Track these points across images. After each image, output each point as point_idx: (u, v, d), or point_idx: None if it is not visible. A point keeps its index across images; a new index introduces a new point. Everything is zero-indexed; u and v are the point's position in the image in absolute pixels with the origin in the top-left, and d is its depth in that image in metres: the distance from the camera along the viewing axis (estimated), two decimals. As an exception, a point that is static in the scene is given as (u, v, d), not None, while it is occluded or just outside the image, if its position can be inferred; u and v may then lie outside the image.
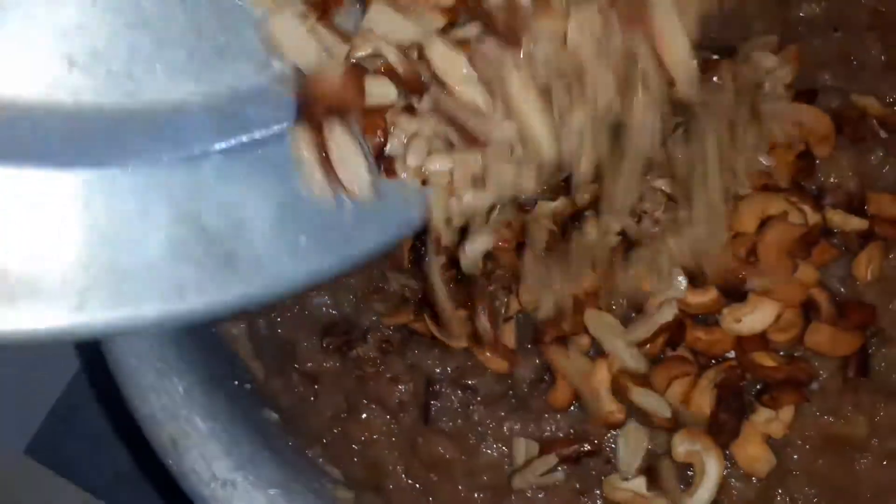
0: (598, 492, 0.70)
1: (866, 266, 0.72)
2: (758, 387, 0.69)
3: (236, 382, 0.62)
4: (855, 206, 0.74)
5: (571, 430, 0.71)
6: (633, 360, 0.68)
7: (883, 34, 0.85)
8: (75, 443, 0.95)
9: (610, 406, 0.68)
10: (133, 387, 0.57)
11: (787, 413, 0.67)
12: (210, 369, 0.61)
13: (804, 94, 0.78)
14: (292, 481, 0.58)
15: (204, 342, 0.62)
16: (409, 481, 0.74)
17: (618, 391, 0.69)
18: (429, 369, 0.74)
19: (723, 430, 0.66)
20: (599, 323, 0.69)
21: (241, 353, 0.67)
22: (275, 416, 0.63)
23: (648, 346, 0.69)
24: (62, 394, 0.96)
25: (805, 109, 0.75)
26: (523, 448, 0.70)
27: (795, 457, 0.68)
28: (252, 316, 0.75)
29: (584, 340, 0.70)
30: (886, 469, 0.68)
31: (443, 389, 0.73)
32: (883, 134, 0.78)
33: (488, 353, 0.71)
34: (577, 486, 0.69)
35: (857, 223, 0.73)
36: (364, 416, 0.74)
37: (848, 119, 0.78)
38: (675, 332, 0.68)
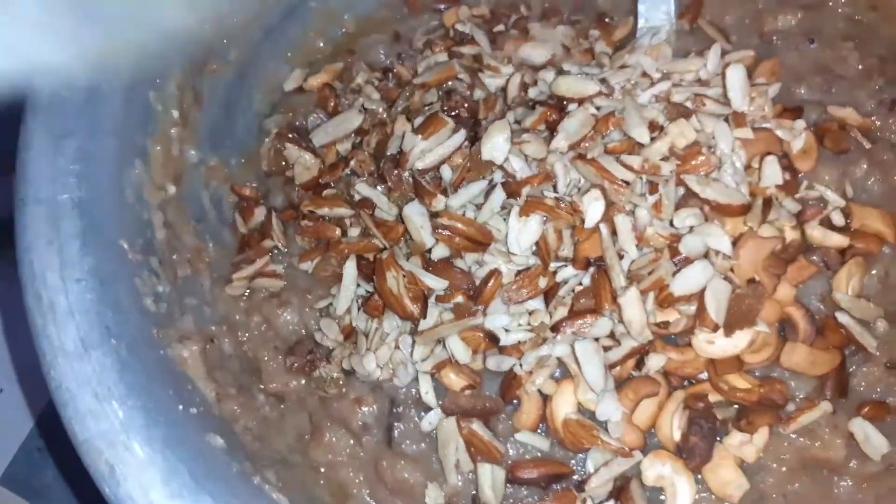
0: None
1: (847, 282, 0.70)
2: (732, 407, 0.67)
3: (181, 407, 0.61)
4: (837, 220, 0.72)
5: (539, 454, 0.68)
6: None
7: (859, 43, 0.84)
8: (48, 473, 0.96)
9: (577, 429, 0.66)
10: (72, 411, 0.56)
11: (761, 436, 0.65)
12: (154, 394, 0.59)
13: (790, 111, 0.76)
14: (233, 509, 0.56)
15: (150, 366, 0.60)
16: None
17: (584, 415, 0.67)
18: (393, 390, 0.72)
19: (694, 454, 0.65)
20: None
21: (191, 374, 0.65)
22: (220, 441, 0.62)
23: (619, 367, 0.67)
24: (34, 425, 0.98)
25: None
26: (489, 474, 0.68)
27: (771, 480, 0.66)
28: (213, 336, 0.73)
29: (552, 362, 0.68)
30: (866, 491, 0.66)
31: (407, 411, 0.71)
32: (867, 144, 0.76)
33: (452, 375, 0.68)
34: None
35: (837, 240, 0.71)
36: (328, 437, 0.73)
37: (828, 131, 0.76)
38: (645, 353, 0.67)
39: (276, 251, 0.81)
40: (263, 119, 0.88)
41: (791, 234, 0.70)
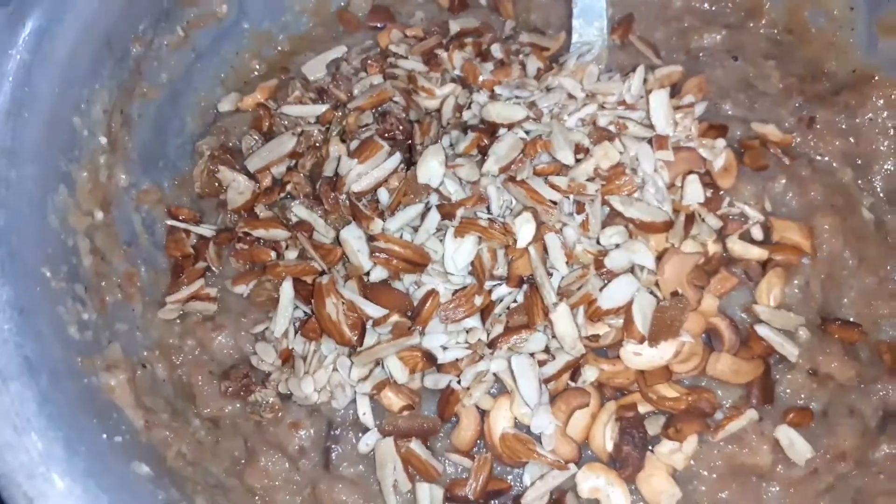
0: None
1: (767, 293, 0.73)
2: (662, 418, 0.70)
3: (105, 436, 0.59)
4: (756, 235, 0.76)
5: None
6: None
7: (780, 62, 0.88)
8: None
9: (515, 443, 0.68)
10: (-12, 445, 0.54)
11: (689, 444, 0.68)
12: (76, 424, 0.58)
13: (715, 128, 0.80)
14: (158, 539, 0.55)
15: (72, 396, 0.60)
16: None
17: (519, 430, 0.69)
18: (330, 413, 0.73)
19: (626, 463, 0.68)
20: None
21: (118, 402, 0.64)
22: (146, 468, 0.61)
23: (554, 381, 0.70)
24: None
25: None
26: (427, 493, 0.70)
27: (703, 488, 0.70)
28: (144, 361, 0.71)
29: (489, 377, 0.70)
30: (793, 496, 0.69)
31: (345, 433, 0.72)
32: (786, 161, 0.81)
33: (391, 395, 0.70)
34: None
35: (757, 252, 0.75)
36: (263, 462, 0.73)
37: (749, 148, 0.81)
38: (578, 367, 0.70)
39: (208, 274, 0.81)
40: (196, 140, 0.88)
41: (713, 248, 0.74)
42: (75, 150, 0.70)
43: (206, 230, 0.83)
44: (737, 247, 0.74)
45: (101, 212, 0.73)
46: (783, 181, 0.78)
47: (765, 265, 0.74)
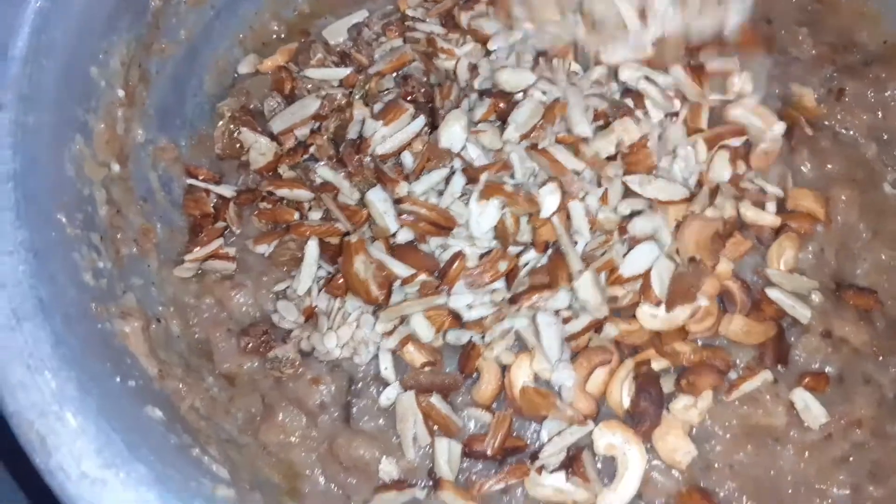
0: (520, 491, 0.70)
1: (778, 257, 0.74)
2: (676, 377, 0.71)
3: (118, 379, 0.59)
4: (770, 209, 0.76)
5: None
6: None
7: (812, 30, 0.89)
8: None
9: (535, 397, 0.68)
10: (2, 383, 0.54)
11: (704, 400, 0.69)
12: (89, 366, 0.58)
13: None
14: (168, 480, 0.55)
15: (86, 339, 0.60)
16: (328, 483, 0.72)
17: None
18: (352, 368, 0.74)
19: (644, 418, 0.68)
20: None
21: (132, 350, 0.64)
22: (158, 413, 0.61)
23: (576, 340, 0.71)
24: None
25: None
26: (446, 448, 0.70)
27: (718, 448, 0.70)
28: (159, 316, 0.72)
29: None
30: (807, 462, 0.70)
31: (366, 388, 0.73)
32: (809, 131, 0.81)
33: (413, 351, 0.71)
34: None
35: (770, 219, 0.75)
36: (280, 418, 0.73)
37: (787, 117, 0.80)
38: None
39: (227, 234, 0.82)
40: (215, 101, 0.89)
41: (729, 211, 0.75)
42: (92, 100, 0.71)
43: (227, 190, 0.83)
44: (750, 213, 0.75)
45: (117, 164, 0.74)
46: (804, 152, 0.79)
47: (777, 233, 0.75)
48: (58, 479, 0.52)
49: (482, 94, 0.79)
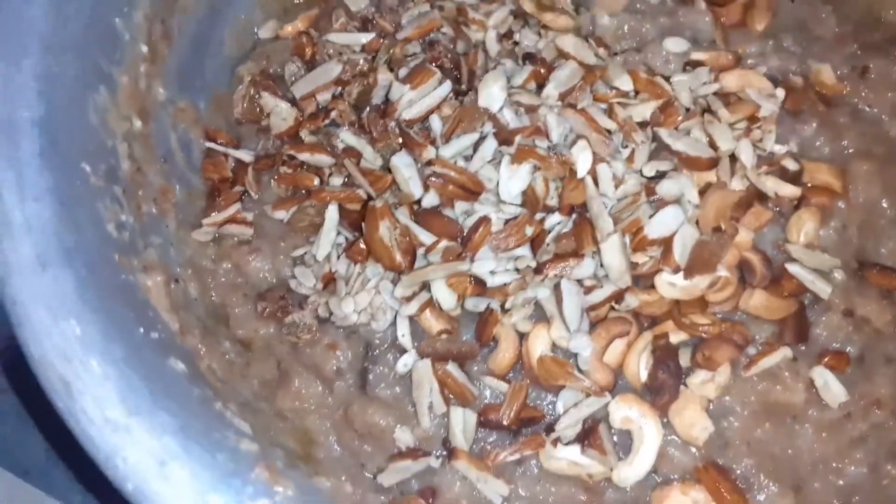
0: (534, 462, 0.70)
1: (798, 230, 0.74)
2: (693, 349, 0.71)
3: (142, 330, 0.59)
4: (792, 166, 0.76)
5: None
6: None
7: (836, 7, 0.88)
8: (1, 428, 0.93)
9: (552, 366, 0.68)
10: (27, 329, 0.53)
11: (722, 374, 0.69)
12: (113, 315, 0.58)
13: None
14: (192, 430, 0.54)
15: (109, 287, 0.59)
16: (342, 451, 0.72)
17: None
18: (369, 334, 0.73)
19: (662, 391, 0.68)
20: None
21: (154, 303, 0.63)
22: (181, 365, 0.60)
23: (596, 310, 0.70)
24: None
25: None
26: (461, 417, 0.70)
27: (737, 425, 0.70)
28: (177, 276, 0.72)
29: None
30: (825, 441, 0.70)
31: (382, 355, 0.73)
32: (821, 107, 0.81)
33: (431, 318, 0.71)
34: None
35: (790, 190, 0.75)
36: (296, 384, 0.74)
37: (790, 89, 0.80)
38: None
39: (245, 198, 0.81)
40: (235, 64, 0.89)
41: (750, 181, 0.74)
42: (117, 52, 0.70)
43: (246, 154, 0.83)
44: (769, 182, 0.74)
45: (139, 120, 0.73)
46: (814, 125, 0.78)
47: (797, 206, 0.74)
48: (81, 423, 0.52)
49: (525, 57, 0.79)
